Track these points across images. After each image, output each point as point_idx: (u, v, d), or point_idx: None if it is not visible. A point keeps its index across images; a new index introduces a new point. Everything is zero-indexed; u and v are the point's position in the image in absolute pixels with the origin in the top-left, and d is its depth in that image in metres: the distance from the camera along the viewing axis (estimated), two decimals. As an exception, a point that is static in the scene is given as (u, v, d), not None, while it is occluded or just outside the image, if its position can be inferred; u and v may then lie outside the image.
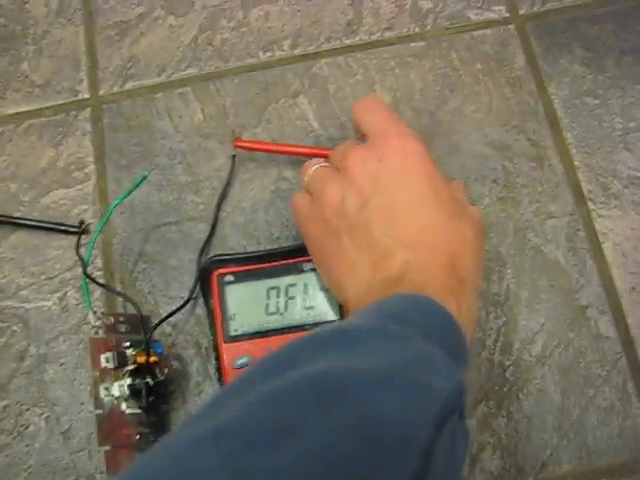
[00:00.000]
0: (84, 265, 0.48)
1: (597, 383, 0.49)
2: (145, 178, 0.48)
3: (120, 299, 0.51)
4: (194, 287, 0.49)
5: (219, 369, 0.47)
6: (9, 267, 0.53)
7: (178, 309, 0.48)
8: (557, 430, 0.48)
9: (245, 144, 0.52)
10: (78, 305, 0.52)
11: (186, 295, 0.49)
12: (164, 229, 0.53)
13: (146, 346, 0.46)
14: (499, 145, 0.55)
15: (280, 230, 0.53)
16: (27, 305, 0.52)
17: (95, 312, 0.47)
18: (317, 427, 0.25)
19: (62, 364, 0.51)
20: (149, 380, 0.46)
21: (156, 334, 0.49)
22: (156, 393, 0.47)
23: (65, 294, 0.53)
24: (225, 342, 0.46)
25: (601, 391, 0.49)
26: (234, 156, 0.53)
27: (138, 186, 0.48)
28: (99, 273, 0.52)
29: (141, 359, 0.46)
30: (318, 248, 0.43)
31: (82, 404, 0.50)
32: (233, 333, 0.46)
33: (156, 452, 0.27)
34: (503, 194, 0.54)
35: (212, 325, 0.48)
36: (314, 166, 0.45)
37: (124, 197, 0.48)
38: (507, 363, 0.50)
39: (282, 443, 0.25)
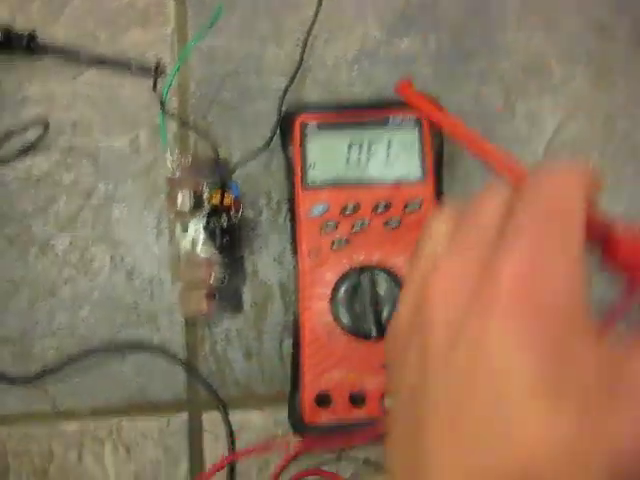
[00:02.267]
0: (162, 102, 0.47)
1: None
2: (221, 9, 0.46)
3: (193, 144, 0.50)
4: (273, 132, 0.47)
5: (293, 219, 0.46)
6: (82, 103, 0.52)
7: (257, 153, 0.47)
8: None
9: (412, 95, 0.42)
10: (150, 146, 0.51)
11: (262, 145, 0.48)
12: (243, 77, 0.52)
13: (222, 187, 0.45)
14: (599, 25, 0.52)
15: (362, 90, 0.51)
16: (98, 143, 0.51)
17: (173, 151, 0.46)
18: None
19: (129, 205, 0.50)
20: (224, 222, 0.45)
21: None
22: (230, 236, 0.46)
23: (137, 135, 0.51)
24: (303, 190, 0.45)
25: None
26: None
27: (217, 19, 0.46)
28: (173, 116, 0.51)
29: (216, 200, 0.45)
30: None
31: (147, 246, 0.50)
32: (312, 181, 0.45)
33: None
34: (595, 76, 0.51)
35: (289, 174, 0.47)
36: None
37: (201, 35, 0.46)
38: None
39: None
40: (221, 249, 0.47)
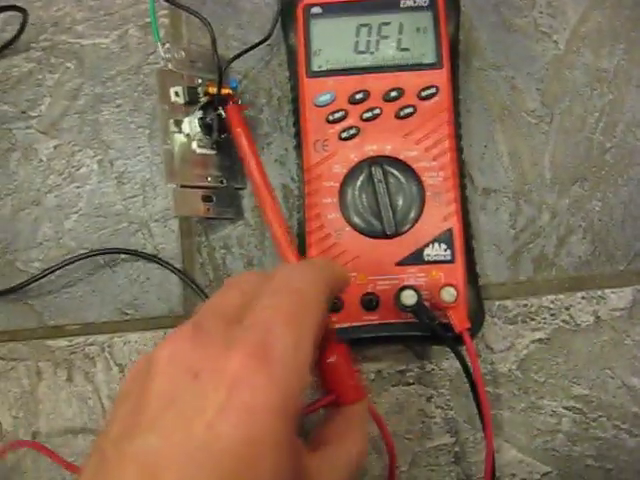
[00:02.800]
0: None
1: None
2: None
3: (186, 38, 0.46)
4: (275, 20, 0.43)
5: (296, 111, 0.42)
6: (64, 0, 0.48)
7: (258, 44, 0.43)
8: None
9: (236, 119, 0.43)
10: (140, 44, 0.47)
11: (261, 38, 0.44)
12: (240, -31, 0.47)
13: (219, 77, 0.41)
14: None
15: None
16: (83, 41, 0.47)
17: (165, 44, 0.42)
18: None
19: (119, 105, 0.47)
20: (221, 111, 0.41)
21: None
22: (228, 131, 0.42)
23: (126, 32, 0.47)
24: (308, 77, 0.41)
25: None
26: None
27: None
28: (165, 12, 0.47)
29: (212, 90, 0.41)
30: None
31: (139, 148, 0.46)
32: (317, 68, 0.41)
33: None
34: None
35: (291, 64, 0.43)
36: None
37: None
38: (608, 145, 0.45)
39: None
40: (218, 146, 0.43)
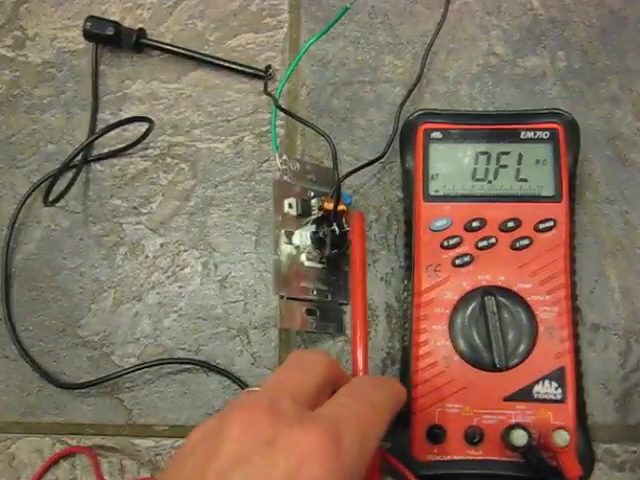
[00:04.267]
0: (275, 99, 0.44)
1: None
2: (347, 10, 0.43)
3: (300, 151, 0.47)
4: (391, 140, 0.44)
5: (409, 233, 0.42)
6: (185, 104, 0.50)
7: (373, 161, 0.44)
8: None
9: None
10: (254, 152, 0.48)
11: (373, 157, 0.45)
12: (357, 87, 0.49)
13: (337, 192, 0.41)
14: None
15: (484, 106, 0.48)
16: (199, 144, 0.49)
17: (282, 155, 0.43)
18: None
19: (228, 210, 0.47)
20: (335, 228, 0.41)
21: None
22: (339, 247, 0.42)
23: (241, 139, 0.49)
24: (424, 201, 0.41)
25: None
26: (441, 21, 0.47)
27: (339, 19, 0.43)
28: (282, 122, 0.48)
29: (328, 206, 0.42)
30: None
31: (244, 254, 0.46)
32: (434, 193, 0.41)
33: None
34: None
35: (407, 186, 0.43)
36: None
37: (323, 33, 0.44)
38: None
39: None
40: (327, 261, 0.43)
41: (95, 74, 0.50)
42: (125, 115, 0.50)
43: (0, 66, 0.52)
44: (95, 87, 0.50)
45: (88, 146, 0.47)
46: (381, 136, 0.47)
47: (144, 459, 0.44)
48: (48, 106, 0.51)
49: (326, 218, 0.42)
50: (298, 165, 0.44)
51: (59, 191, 0.45)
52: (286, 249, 0.42)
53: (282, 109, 0.43)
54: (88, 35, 0.49)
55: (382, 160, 0.46)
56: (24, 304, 0.47)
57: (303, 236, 0.42)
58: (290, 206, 0.43)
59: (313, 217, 0.42)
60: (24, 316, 0.47)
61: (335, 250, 0.42)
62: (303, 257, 0.43)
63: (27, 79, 0.51)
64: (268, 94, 0.46)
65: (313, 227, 0.42)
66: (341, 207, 0.42)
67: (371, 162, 0.44)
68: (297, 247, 0.42)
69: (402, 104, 0.45)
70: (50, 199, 0.44)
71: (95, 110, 0.49)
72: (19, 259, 0.48)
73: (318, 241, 0.42)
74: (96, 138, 0.47)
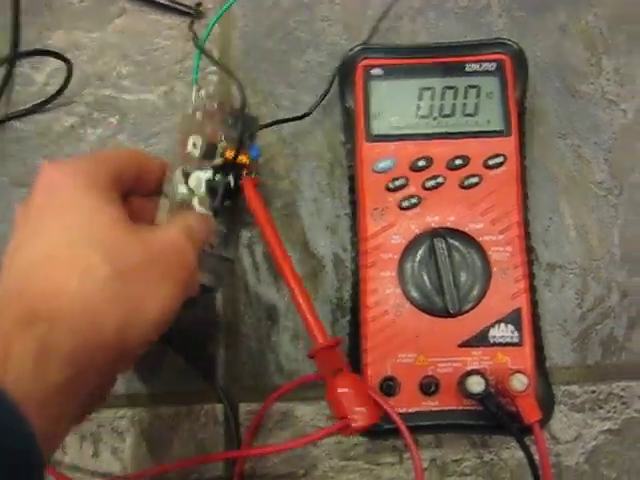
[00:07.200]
0: (196, 38, 0.41)
1: None
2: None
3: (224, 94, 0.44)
4: (332, 78, 0.41)
5: (353, 176, 0.40)
6: (111, 53, 0.46)
7: (292, 119, 0.41)
8: None
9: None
10: (186, 102, 0.45)
11: (313, 100, 0.42)
12: (292, 27, 0.46)
13: (238, 142, 0.38)
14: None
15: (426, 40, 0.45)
16: (128, 96, 0.45)
17: (200, 89, 0.39)
18: None
19: (161, 163, 0.44)
20: (230, 180, 0.38)
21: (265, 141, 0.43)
22: (233, 201, 0.39)
23: (172, 88, 0.46)
24: (367, 141, 0.39)
25: None
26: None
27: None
28: (214, 68, 0.45)
29: (230, 155, 0.38)
30: None
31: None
32: (376, 132, 0.39)
33: None
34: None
35: (349, 126, 0.41)
36: None
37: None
38: (682, 221, 0.42)
39: None
40: (216, 211, 0.39)
41: (16, 25, 0.46)
42: (46, 69, 0.46)
43: None
44: (15, 38, 0.46)
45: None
46: (320, 78, 0.44)
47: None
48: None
49: (225, 167, 0.39)
50: (215, 105, 0.40)
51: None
52: (181, 189, 0.39)
53: (199, 47, 0.40)
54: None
55: (324, 102, 0.43)
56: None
57: (199, 180, 0.39)
58: (194, 145, 0.39)
59: (214, 163, 0.39)
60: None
61: (228, 202, 0.39)
62: (195, 202, 0.39)
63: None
64: (192, 31, 0.42)
65: (210, 173, 0.38)
66: (243, 158, 0.38)
67: (289, 119, 0.41)
68: (190, 189, 0.39)
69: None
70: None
71: (12, 63, 0.45)
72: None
73: (211, 189, 0.38)
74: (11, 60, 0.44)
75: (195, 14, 0.45)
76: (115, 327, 0.28)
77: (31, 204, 0.31)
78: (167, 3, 0.46)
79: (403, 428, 0.34)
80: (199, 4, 0.46)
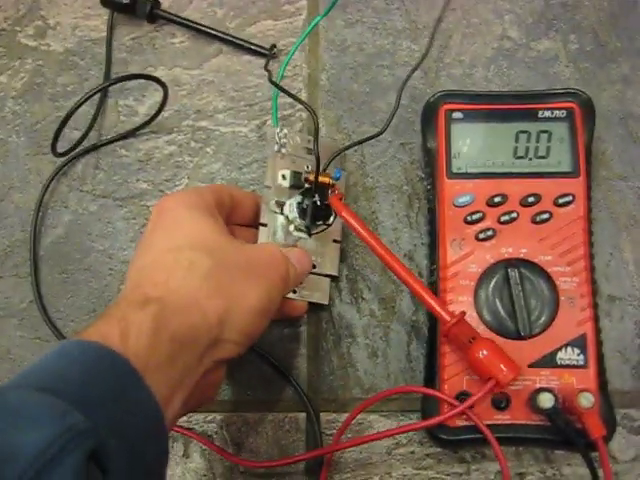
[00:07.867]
0: (270, 74, 0.45)
1: None
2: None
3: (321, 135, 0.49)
4: (391, 117, 0.44)
5: (432, 210, 0.44)
6: (208, 89, 0.51)
7: (369, 138, 0.44)
8: None
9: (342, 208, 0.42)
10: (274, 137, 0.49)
11: (394, 137, 0.47)
12: (375, 71, 0.50)
13: (317, 164, 0.41)
14: None
15: (499, 88, 0.50)
16: (223, 129, 0.50)
17: (282, 129, 0.44)
18: None
19: (254, 191, 0.48)
20: (317, 199, 0.42)
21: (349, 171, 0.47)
22: (323, 218, 0.43)
23: (264, 122, 0.50)
24: (448, 178, 0.43)
25: None
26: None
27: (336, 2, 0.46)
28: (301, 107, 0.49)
29: (311, 177, 0.42)
30: None
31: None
32: (457, 170, 0.43)
33: None
34: None
35: (430, 165, 0.45)
36: None
37: (328, 11, 0.46)
38: None
39: None
40: (309, 230, 0.43)
41: (110, 43, 0.52)
42: (148, 101, 0.51)
43: (23, 55, 0.53)
44: (109, 59, 0.52)
45: (100, 92, 0.50)
46: (400, 118, 0.48)
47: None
48: (72, 93, 0.52)
49: (312, 190, 0.43)
50: (298, 139, 0.45)
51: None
52: (277, 218, 0.43)
53: (274, 83, 0.44)
54: (104, 1, 0.52)
55: (402, 141, 0.47)
56: (55, 286, 0.48)
57: (291, 206, 0.43)
58: (283, 177, 0.44)
59: (303, 189, 0.43)
60: (55, 298, 0.48)
61: (319, 222, 0.43)
62: (292, 228, 0.44)
63: (50, 67, 0.52)
64: (267, 70, 0.46)
65: (299, 198, 0.43)
66: (325, 179, 0.42)
67: (366, 139, 0.45)
68: (286, 217, 0.43)
69: (406, 80, 0.46)
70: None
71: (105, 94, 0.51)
72: (48, 242, 0.49)
73: (302, 212, 0.43)
74: (110, 85, 0.50)
75: (269, 54, 0.50)
76: (216, 312, 0.32)
77: (146, 227, 0.37)
78: (245, 45, 0.50)
79: (493, 440, 0.38)
80: (274, 46, 0.50)
